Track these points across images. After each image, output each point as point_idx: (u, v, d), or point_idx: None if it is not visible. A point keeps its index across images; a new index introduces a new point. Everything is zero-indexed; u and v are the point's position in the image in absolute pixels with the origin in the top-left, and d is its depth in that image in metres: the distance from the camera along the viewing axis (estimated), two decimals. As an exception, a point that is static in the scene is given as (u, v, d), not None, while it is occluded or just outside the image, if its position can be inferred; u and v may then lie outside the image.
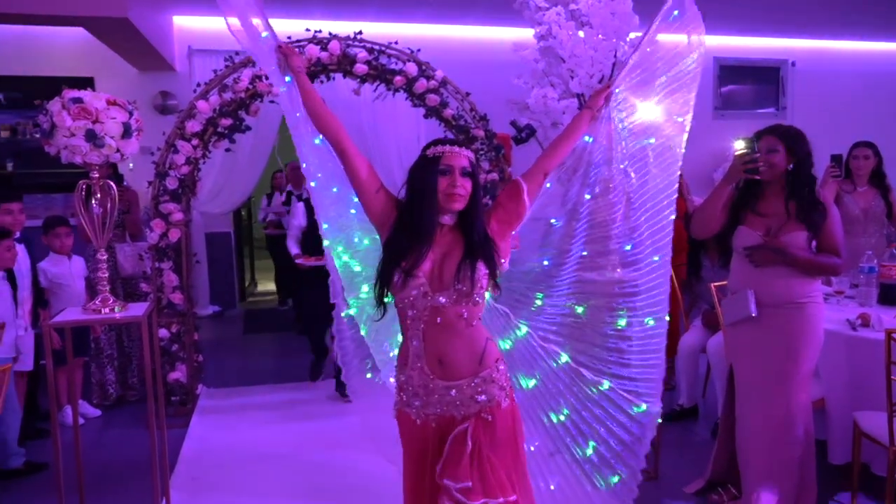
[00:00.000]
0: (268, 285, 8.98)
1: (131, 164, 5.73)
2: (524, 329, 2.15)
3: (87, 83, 6.40)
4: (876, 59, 8.28)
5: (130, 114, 2.35)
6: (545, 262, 2.24)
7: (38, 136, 2.30)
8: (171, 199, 3.99)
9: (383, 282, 1.73)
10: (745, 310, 2.61)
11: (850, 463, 2.81)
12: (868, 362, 2.80)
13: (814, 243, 2.60)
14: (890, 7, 6.68)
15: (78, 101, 2.24)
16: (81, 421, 3.56)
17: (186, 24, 6.56)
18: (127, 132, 2.32)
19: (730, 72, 8.01)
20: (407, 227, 1.72)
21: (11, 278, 3.37)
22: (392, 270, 1.70)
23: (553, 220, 2.28)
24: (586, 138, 2.22)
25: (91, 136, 2.23)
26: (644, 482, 3.14)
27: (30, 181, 6.13)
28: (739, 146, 2.63)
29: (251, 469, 3.41)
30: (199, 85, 4.08)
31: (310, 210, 4.06)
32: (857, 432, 2.72)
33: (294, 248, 4.47)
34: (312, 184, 2.15)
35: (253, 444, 3.73)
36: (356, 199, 1.92)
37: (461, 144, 1.80)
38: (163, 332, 4.04)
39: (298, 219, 4.47)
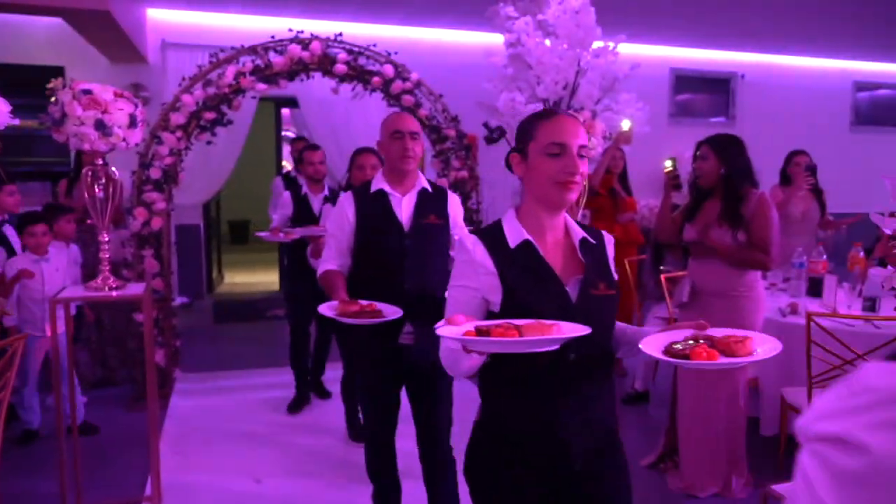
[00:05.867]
0: (234, 277, 9.08)
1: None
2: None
3: (57, 73, 6.42)
4: (818, 74, 8.86)
5: (136, 106, 2.53)
6: None
7: (48, 124, 2.46)
8: (155, 188, 4.14)
9: None
10: (680, 296, 2.97)
11: (779, 434, 3.17)
12: (796, 345, 3.16)
13: (742, 239, 2.85)
14: (832, 26, 7.20)
15: (88, 92, 2.41)
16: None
17: (160, 17, 6.65)
18: (133, 123, 2.50)
19: (684, 81, 8.46)
20: None
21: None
22: None
23: None
24: None
25: (100, 126, 2.40)
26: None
27: (3, 169, 6.15)
28: (667, 165, 3.12)
29: (232, 448, 3.60)
30: (184, 79, 4.23)
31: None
32: (784, 406, 3.08)
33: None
34: None
35: (231, 424, 3.91)
36: None
37: None
38: (140, 316, 4.18)
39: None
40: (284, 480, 3.22)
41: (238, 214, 12.15)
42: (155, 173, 4.13)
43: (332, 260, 2.40)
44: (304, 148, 4.28)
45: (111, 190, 2.60)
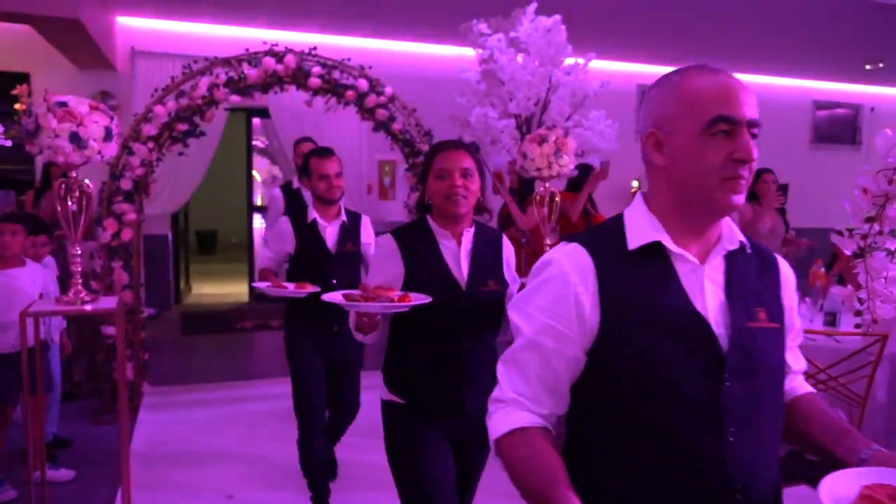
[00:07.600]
0: (202, 288, 8.96)
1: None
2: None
3: (22, 79, 6.30)
4: (779, 93, 9.16)
5: (111, 118, 2.51)
6: None
7: (21, 134, 2.43)
8: (125, 199, 4.08)
9: None
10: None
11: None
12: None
13: None
14: (793, 47, 7.47)
15: (63, 104, 2.39)
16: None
17: (130, 24, 6.58)
18: (108, 135, 2.48)
19: (651, 98, 8.68)
20: None
21: None
22: None
23: None
24: None
25: (75, 139, 2.38)
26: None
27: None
28: (634, 185, 3.25)
29: (202, 462, 3.55)
30: (156, 90, 4.20)
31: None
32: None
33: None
34: None
35: (201, 439, 3.86)
36: None
37: None
38: (110, 330, 4.11)
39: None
40: (256, 494, 3.19)
41: (206, 224, 12.02)
42: (126, 184, 4.07)
43: (531, 410, 1.05)
44: (313, 152, 2.90)
45: (84, 202, 2.57)
